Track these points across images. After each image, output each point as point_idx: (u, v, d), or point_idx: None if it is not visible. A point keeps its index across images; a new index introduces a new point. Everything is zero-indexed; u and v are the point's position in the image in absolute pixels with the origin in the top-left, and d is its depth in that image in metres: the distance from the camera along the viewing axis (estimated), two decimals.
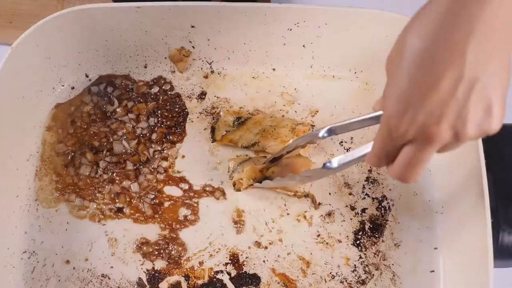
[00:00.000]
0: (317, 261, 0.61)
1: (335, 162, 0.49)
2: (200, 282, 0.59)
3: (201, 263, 0.60)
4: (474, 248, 0.55)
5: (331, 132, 0.52)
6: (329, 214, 0.63)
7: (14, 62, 0.60)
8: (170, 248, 0.61)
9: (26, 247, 0.60)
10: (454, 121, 0.34)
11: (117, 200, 0.63)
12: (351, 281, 0.60)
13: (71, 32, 0.64)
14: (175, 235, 0.61)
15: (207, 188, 0.64)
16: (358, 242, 0.62)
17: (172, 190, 0.64)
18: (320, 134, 0.53)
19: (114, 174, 0.64)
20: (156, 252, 0.60)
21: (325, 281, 0.60)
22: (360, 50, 0.67)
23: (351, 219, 0.63)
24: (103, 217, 0.62)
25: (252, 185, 0.61)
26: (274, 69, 0.70)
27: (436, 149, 0.36)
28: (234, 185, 0.62)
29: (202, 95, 0.69)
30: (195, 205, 0.63)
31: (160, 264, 0.60)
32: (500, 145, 0.60)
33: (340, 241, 0.62)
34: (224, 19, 0.64)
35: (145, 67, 0.70)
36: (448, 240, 0.61)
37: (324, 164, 0.50)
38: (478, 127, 0.34)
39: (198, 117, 0.68)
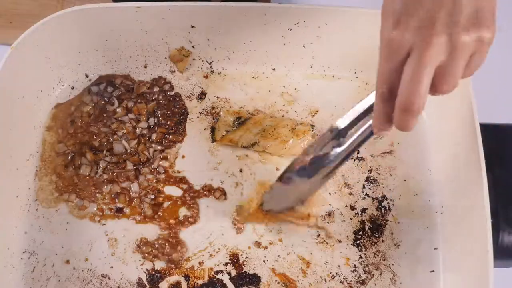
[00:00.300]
0: (317, 261, 0.61)
1: (340, 122, 0.47)
2: (200, 282, 0.59)
3: (201, 263, 0.60)
4: (474, 248, 0.55)
5: (347, 119, 0.48)
6: (329, 214, 0.63)
7: (14, 62, 0.60)
8: (170, 248, 0.61)
9: (26, 247, 0.60)
10: (447, 22, 0.35)
11: (117, 200, 0.63)
12: (351, 281, 0.60)
13: (71, 32, 0.64)
14: (175, 235, 0.61)
15: (207, 188, 0.64)
16: (358, 242, 0.62)
17: (172, 190, 0.64)
18: (336, 125, 0.49)
19: (114, 174, 0.64)
20: (156, 252, 0.60)
21: (325, 281, 0.60)
22: (360, 50, 0.67)
23: (351, 219, 0.63)
24: (103, 217, 0.62)
25: (261, 206, 0.61)
26: (274, 69, 0.70)
27: (435, 58, 0.36)
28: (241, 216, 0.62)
29: (202, 95, 0.69)
30: (195, 205, 0.63)
31: (160, 264, 0.60)
32: (500, 145, 0.60)
33: (340, 241, 0.62)
34: (224, 19, 0.64)
35: (145, 67, 0.70)
36: (448, 240, 0.61)
37: (332, 149, 0.48)
38: (471, 31, 0.36)
39: (198, 117, 0.68)
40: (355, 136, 0.47)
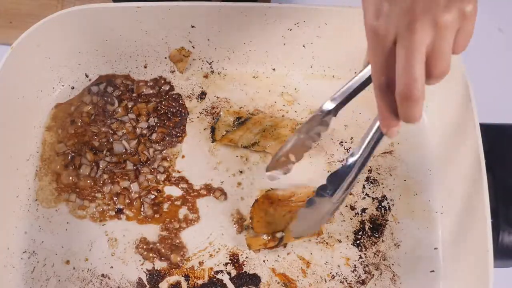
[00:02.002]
0: (317, 261, 0.61)
1: (356, 151, 0.48)
2: (200, 282, 0.59)
3: (201, 263, 0.60)
4: (474, 248, 0.55)
5: (335, 101, 0.50)
6: None
7: (14, 62, 0.60)
8: (170, 248, 0.61)
9: (26, 247, 0.60)
10: (427, 4, 0.35)
11: (117, 200, 0.63)
12: (351, 281, 0.60)
13: (71, 32, 0.64)
14: (175, 235, 0.61)
15: (207, 188, 0.64)
16: (358, 242, 0.62)
17: (172, 190, 0.64)
18: (324, 107, 0.51)
19: (114, 174, 0.64)
20: (156, 252, 0.60)
21: (325, 281, 0.60)
22: (360, 50, 0.66)
23: (351, 219, 0.63)
24: (103, 217, 0.62)
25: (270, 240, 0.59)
26: (274, 69, 0.70)
27: (422, 42, 0.36)
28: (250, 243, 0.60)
29: (202, 95, 0.69)
30: (195, 205, 0.63)
31: (160, 264, 0.60)
32: (500, 145, 0.60)
33: (340, 241, 0.62)
34: (224, 19, 0.64)
35: (145, 67, 0.70)
36: (448, 240, 0.61)
37: (347, 160, 0.48)
38: (451, 8, 0.36)
39: (198, 117, 0.68)
40: (366, 141, 0.47)
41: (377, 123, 0.45)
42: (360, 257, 0.61)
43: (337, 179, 0.50)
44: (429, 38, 0.36)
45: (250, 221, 0.59)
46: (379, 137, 0.47)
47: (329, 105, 0.50)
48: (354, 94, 0.49)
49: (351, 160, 0.48)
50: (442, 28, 0.36)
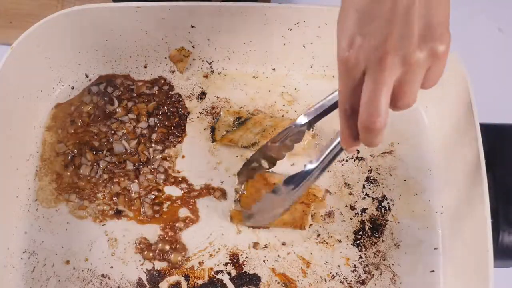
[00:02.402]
0: (317, 261, 0.61)
1: (314, 161, 0.49)
2: (200, 282, 0.59)
3: (201, 263, 0.60)
4: (474, 248, 0.55)
5: (309, 116, 0.52)
6: (329, 214, 0.63)
7: (14, 62, 0.60)
8: (170, 248, 0.61)
9: (26, 247, 0.60)
10: (399, 40, 0.35)
11: (117, 201, 0.63)
12: (351, 281, 0.60)
13: (71, 32, 0.64)
14: (175, 235, 0.61)
15: (207, 188, 0.64)
16: (358, 242, 0.62)
17: (172, 190, 0.64)
18: (298, 121, 0.53)
19: (114, 174, 0.64)
20: (156, 252, 0.60)
21: (325, 281, 0.60)
22: None
23: (351, 219, 0.63)
24: (103, 217, 0.62)
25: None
26: (274, 69, 0.70)
27: (390, 77, 0.36)
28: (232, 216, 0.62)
29: (202, 95, 0.69)
30: (195, 205, 0.63)
31: (160, 264, 0.60)
32: (500, 145, 0.60)
33: (340, 241, 0.62)
34: (224, 19, 0.64)
35: (145, 67, 0.70)
36: (448, 240, 0.61)
37: (305, 166, 0.50)
38: (423, 47, 0.36)
39: (198, 117, 0.68)
40: (326, 153, 0.49)
41: (339, 138, 0.46)
42: (360, 257, 0.61)
43: (292, 183, 0.52)
44: (398, 73, 0.36)
45: (240, 194, 0.60)
46: (339, 150, 0.48)
47: (303, 119, 0.53)
48: (328, 111, 0.51)
49: (308, 167, 0.50)
50: (412, 65, 0.36)
